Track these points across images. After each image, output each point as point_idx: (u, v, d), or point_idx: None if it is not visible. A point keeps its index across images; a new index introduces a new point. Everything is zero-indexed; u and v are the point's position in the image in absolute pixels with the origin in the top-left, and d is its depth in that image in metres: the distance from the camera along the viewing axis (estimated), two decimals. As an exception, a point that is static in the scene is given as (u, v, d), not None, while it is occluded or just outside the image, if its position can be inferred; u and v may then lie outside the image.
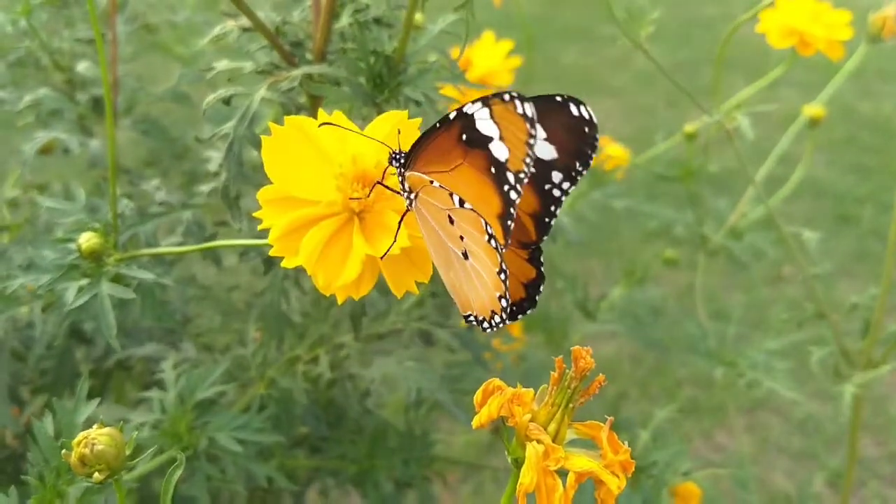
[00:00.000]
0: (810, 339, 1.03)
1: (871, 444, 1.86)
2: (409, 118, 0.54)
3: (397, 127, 0.52)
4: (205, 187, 0.75)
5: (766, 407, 1.93)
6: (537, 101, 0.47)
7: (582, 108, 0.48)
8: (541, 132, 0.47)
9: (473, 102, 0.45)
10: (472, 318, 0.50)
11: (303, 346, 0.80)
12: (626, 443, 0.47)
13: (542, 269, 0.51)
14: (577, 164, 0.49)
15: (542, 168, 0.48)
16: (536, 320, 1.26)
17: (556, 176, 0.49)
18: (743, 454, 1.78)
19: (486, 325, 0.50)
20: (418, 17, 0.80)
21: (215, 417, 0.72)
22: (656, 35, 0.81)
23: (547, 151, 0.48)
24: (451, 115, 0.46)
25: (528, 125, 0.44)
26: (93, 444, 0.47)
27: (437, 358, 1.01)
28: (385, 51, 0.66)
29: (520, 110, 0.44)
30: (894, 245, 0.89)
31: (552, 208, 0.49)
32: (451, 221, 0.48)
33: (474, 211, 0.47)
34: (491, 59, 1.07)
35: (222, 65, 0.67)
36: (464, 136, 0.46)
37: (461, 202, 0.47)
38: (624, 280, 1.30)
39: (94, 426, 0.48)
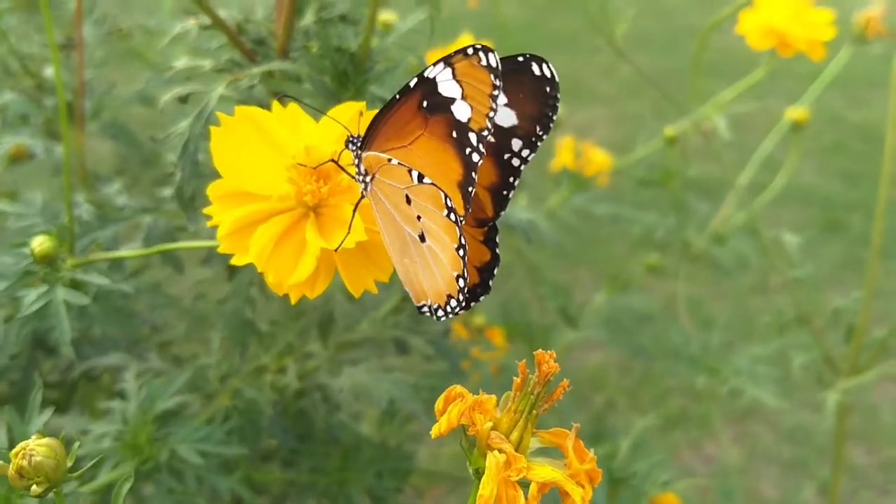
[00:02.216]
0: (797, 347, 1.01)
1: (863, 453, 1.84)
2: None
3: (355, 118, 0.50)
4: (167, 191, 0.73)
5: (755, 417, 1.91)
6: (501, 61, 0.45)
7: (544, 66, 0.47)
8: (502, 98, 0.46)
9: (434, 64, 0.44)
10: (426, 307, 0.48)
11: (270, 356, 0.77)
12: (592, 451, 0.44)
13: (498, 251, 0.50)
14: (538, 129, 0.47)
15: (503, 136, 0.47)
16: (518, 329, 1.23)
17: (517, 144, 0.47)
18: (731, 464, 1.75)
19: (440, 312, 0.48)
20: (389, 15, 0.79)
21: (177, 429, 0.70)
22: (643, 44, 0.80)
23: (507, 118, 0.47)
24: (412, 83, 0.45)
25: (492, 76, 0.43)
26: (31, 456, 0.44)
27: (416, 369, 0.99)
28: (350, 48, 0.64)
29: (483, 62, 0.43)
30: (877, 250, 0.88)
31: (511, 179, 0.48)
32: (409, 201, 0.46)
33: (434, 185, 0.45)
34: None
35: (181, 63, 0.65)
36: (425, 104, 0.44)
37: (420, 177, 0.45)
38: (607, 286, 1.28)
39: (33, 436, 0.45)
